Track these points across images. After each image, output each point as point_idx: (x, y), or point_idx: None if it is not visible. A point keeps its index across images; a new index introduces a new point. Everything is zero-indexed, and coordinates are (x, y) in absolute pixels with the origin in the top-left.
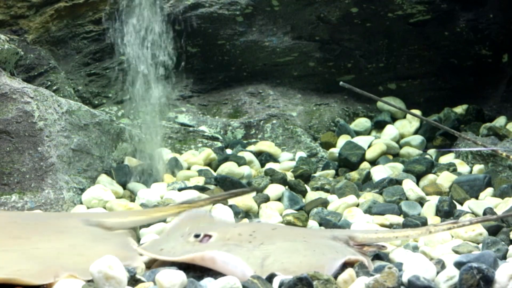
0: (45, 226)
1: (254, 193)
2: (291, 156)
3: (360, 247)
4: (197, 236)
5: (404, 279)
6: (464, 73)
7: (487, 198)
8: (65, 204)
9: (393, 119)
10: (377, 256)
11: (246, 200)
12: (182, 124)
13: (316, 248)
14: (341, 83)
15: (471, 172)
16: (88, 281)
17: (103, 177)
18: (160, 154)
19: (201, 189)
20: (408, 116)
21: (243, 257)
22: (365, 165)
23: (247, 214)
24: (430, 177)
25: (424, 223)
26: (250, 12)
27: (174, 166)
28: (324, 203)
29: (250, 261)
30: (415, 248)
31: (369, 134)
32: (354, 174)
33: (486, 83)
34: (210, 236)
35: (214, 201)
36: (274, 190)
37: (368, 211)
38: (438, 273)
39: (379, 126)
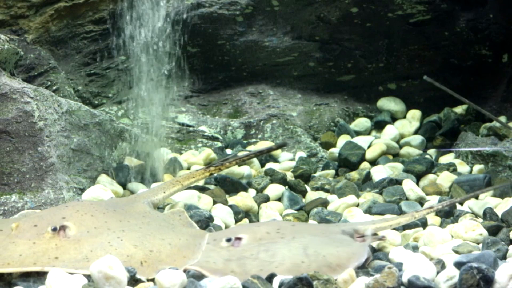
0: (127, 211)
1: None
2: (291, 156)
3: (362, 239)
4: (228, 240)
5: (404, 279)
6: (464, 73)
7: (487, 198)
8: None
9: (393, 119)
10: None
11: (246, 200)
12: (182, 124)
13: (341, 241)
14: (425, 77)
15: (471, 172)
16: (88, 280)
17: (103, 177)
18: (160, 154)
19: (201, 189)
20: (408, 116)
21: (285, 249)
22: (365, 165)
23: (247, 214)
24: (430, 177)
25: (424, 223)
26: (250, 12)
27: (174, 166)
28: (324, 203)
29: (293, 252)
30: (415, 248)
31: (369, 134)
32: (354, 174)
33: (486, 83)
34: (240, 239)
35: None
36: (274, 190)
37: (368, 211)
38: (438, 273)
39: (379, 126)
